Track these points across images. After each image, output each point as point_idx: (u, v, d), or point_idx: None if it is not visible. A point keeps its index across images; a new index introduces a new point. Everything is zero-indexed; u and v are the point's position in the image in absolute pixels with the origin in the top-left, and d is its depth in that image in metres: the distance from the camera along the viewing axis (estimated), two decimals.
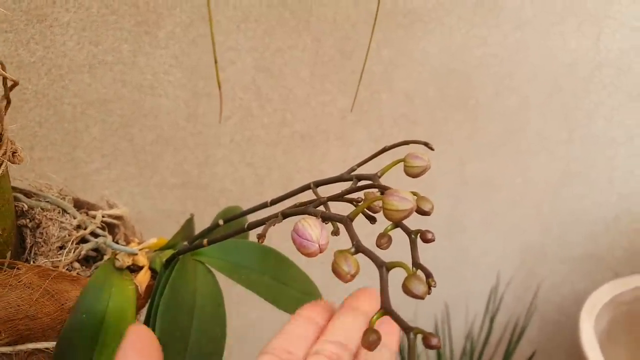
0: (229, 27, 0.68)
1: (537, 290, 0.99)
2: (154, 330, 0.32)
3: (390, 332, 0.25)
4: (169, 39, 0.67)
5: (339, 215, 0.24)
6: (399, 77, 0.77)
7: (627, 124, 0.87)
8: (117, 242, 0.40)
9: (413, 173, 0.29)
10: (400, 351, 0.93)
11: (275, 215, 0.27)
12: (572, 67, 0.82)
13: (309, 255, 0.23)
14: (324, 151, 0.79)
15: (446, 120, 0.82)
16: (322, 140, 0.78)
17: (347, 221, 0.23)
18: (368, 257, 0.22)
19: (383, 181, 0.32)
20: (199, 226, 0.80)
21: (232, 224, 0.37)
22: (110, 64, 0.67)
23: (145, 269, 0.37)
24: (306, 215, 0.24)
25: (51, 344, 0.32)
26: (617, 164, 0.91)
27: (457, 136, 0.84)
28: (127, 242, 0.40)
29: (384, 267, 0.22)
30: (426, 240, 0.24)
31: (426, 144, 0.30)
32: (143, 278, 0.36)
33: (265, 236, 0.24)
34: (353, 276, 0.22)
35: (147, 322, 0.34)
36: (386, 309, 0.21)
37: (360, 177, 0.29)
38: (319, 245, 0.23)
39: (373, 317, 0.21)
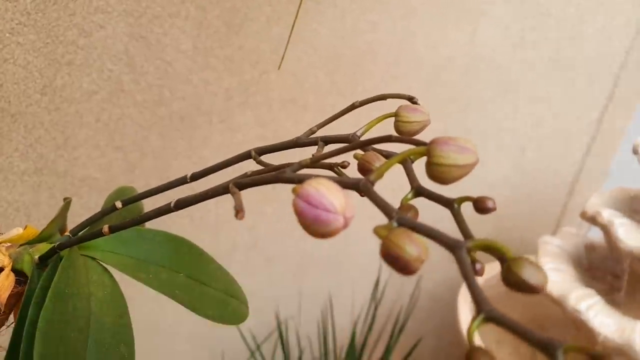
0: None
1: (419, 280, 1.01)
2: (29, 358, 0.23)
3: None
4: None
5: (353, 179, 0.18)
6: (288, 57, 0.72)
7: (497, 118, 0.92)
8: None
9: (411, 130, 0.24)
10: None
11: (225, 186, 0.20)
12: (451, 60, 0.84)
13: (326, 235, 0.16)
14: (205, 135, 0.71)
15: (334, 107, 0.78)
16: (204, 123, 0.70)
17: (368, 185, 0.17)
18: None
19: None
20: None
21: (132, 208, 0.29)
22: None
23: (7, 271, 0.27)
24: (316, 176, 0.17)
25: None
26: (486, 157, 0.96)
27: (344, 124, 0.81)
28: None
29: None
30: (485, 210, 0.19)
31: (410, 99, 0.25)
32: (3, 284, 0.27)
33: (243, 210, 0.17)
34: (422, 262, 0.16)
35: (14, 347, 0.24)
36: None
37: (327, 140, 0.23)
38: (345, 219, 0.16)
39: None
